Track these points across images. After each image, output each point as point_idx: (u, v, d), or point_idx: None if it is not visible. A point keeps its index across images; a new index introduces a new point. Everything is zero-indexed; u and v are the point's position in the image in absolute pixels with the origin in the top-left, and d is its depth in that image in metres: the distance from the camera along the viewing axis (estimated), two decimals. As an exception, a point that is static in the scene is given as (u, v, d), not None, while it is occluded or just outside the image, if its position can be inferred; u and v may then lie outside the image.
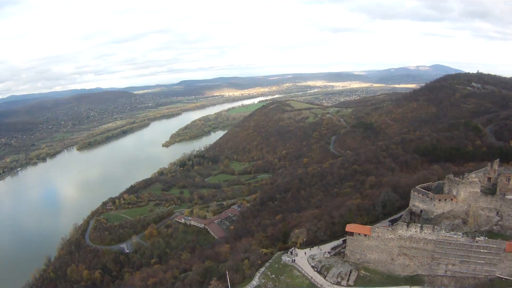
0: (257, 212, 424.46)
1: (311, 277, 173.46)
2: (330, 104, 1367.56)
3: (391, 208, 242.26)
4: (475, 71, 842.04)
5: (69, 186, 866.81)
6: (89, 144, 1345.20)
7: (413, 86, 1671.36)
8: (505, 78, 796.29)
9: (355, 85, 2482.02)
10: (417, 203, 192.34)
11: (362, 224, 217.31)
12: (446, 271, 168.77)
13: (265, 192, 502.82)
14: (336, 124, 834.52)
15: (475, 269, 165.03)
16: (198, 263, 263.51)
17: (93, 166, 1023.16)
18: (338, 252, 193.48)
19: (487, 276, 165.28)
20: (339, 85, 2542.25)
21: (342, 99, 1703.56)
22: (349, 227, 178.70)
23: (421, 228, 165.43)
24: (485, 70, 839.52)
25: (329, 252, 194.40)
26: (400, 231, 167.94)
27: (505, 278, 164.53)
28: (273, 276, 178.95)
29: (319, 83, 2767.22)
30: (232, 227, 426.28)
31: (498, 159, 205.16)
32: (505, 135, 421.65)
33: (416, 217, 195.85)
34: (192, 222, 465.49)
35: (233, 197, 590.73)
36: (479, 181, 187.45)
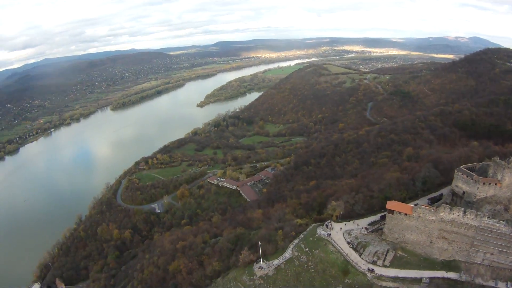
0: (291, 176, 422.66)
1: (346, 254, 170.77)
2: (367, 70, 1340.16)
3: (431, 185, 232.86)
4: None
5: (103, 146, 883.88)
6: (123, 104, 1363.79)
7: (451, 56, 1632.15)
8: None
9: (392, 52, 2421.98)
10: (460, 184, 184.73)
11: (401, 199, 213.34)
12: (483, 259, 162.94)
13: (299, 156, 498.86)
14: (373, 91, 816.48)
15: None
16: (229, 229, 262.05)
17: (127, 126, 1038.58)
18: (376, 229, 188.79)
19: None
20: (376, 51, 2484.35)
21: (379, 65, 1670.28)
22: (389, 205, 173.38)
23: (464, 212, 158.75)
24: None
25: (366, 228, 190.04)
26: (442, 214, 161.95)
27: None
28: (307, 249, 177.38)
29: (356, 48, 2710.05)
30: (265, 190, 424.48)
31: None
32: None
33: (458, 199, 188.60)
34: (225, 184, 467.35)
35: (267, 160, 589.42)
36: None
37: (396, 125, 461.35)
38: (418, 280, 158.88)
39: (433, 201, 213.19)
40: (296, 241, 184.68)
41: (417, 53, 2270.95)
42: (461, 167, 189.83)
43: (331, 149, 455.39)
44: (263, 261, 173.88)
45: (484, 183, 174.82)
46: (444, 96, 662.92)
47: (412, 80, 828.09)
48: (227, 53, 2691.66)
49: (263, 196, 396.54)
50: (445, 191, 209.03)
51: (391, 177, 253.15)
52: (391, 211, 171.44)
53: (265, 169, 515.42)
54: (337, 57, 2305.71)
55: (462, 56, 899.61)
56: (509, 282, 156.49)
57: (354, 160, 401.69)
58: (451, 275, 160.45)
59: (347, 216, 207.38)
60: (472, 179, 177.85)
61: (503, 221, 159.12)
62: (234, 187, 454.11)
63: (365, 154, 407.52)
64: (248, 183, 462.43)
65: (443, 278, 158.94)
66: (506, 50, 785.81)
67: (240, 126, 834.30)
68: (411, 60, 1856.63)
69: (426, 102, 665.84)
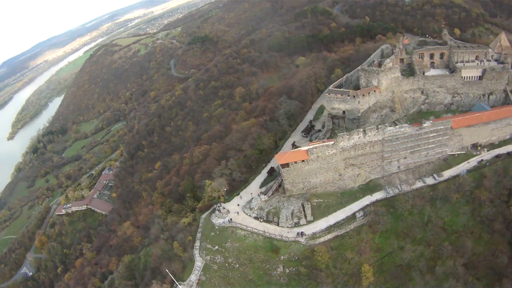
0: (132, 168, 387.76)
1: (263, 231, 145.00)
2: (156, 30, 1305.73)
3: (295, 117, 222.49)
4: None
5: None
6: None
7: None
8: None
9: (174, 4, 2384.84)
10: (337, 105, 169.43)
11: (273, 145, 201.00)
12: (399, 166, 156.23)
13: (128, 143, 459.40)
14: (171, 47, 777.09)
15: (427, 154, 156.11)
16: (114, 261, 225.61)
17: None
18: (275, 189, 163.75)
19: (440, 157, 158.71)
20: (158, 9, 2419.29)
21: (166, 22, 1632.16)
22: (281, 159, 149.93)
23: (364, 132, 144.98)
24: None
25: (262, 193, 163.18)
26: (342, 143, 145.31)
27: (457, 154, 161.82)
28: (216, 247, 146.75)
29: (137, 13, 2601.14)
30: (114, 194, 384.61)
31: (402, 37, 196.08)
32: (358, 12, 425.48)
33: (339, 120, 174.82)
34: (73, 208, 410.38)
35: (98, 162, 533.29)
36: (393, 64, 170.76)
37: (210, 72, 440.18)
38: (351, 217, 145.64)
39: (307, 132, 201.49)
40: (197, 244, 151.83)
41: None
42: (330, 88, 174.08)
43: (156, 122, 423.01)
44: (180, 285, 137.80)
45: (363, 95, 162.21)
46: (243, 26, 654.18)
47: (204, 23, 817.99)
48: (16, 70, 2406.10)
49: (116, 203, 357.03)
50: (326, 119, 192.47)
51: (250, 125, 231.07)
52: (286, 164, 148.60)
53: (103, 173, 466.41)
54: (122, 29, 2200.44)
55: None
56: (434, 174, 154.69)
57: (187, 123, 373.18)
58: (378, 195, 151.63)
59: (231, 189, 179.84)
60: (348, 95, 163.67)
61: (405, 124, 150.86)
62: (84, 207, 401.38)
63: (194, 113, 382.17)
64: (95, 196, 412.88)
65: (373, 203, 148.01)
66: None
67: (56, 140, 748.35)
68: (196, 5, 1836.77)
69: (227, 38, 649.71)
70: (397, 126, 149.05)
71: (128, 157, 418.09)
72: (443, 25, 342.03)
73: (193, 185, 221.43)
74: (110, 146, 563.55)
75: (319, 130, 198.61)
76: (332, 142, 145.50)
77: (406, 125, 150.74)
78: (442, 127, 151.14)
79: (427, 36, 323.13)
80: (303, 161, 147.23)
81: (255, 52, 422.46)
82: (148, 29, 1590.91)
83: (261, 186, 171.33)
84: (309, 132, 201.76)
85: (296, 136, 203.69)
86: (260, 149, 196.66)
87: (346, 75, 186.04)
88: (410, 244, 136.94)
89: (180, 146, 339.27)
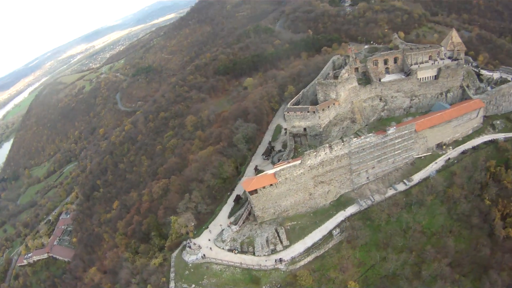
0: (89, 210, 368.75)
1: (240, 263, 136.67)
2: (99, 65, 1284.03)
3: (255, 139, 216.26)
4: None
5: None
6: None
7: (172, 16, 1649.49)
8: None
9: (115, 36, 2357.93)
10: (297, 122, 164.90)
11: (235, 171, 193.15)
12: (368, 177, 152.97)
13: (82, 185, 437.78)
14: (115, 81, 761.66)
15: (395, 161, 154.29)
16: None
17: None
18: (246, 218, 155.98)
19: (407, 162, 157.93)
20: (99, 43, 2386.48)
21: (108, 55, 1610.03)
22: (247, 185, 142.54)
23: (330, 147, 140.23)
24: None
25: (233, 224, 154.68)
26: (309, 161, 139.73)
27: (423, 156, 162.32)
28: (193, 286, 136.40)
29: (79, 48, 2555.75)
30: (75, 239, 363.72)
31: (351, 47, 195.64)
32: (300, 27, 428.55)
33: (301, 138, 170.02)
34: (35, 258, 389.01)
35: (54, 207, 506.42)
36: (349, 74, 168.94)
37: (158, 103, 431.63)
38: (328, 236, 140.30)
39: (268, 154, 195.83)
40: (172, 285, 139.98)
41: (138, 27, 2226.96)
42: (288, 106, 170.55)
43: (109, 160, 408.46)
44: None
45: (323, 109, 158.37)
46: (186, 52, 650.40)
47: (147, 53, 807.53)
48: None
49: (78, 248, 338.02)
50: (267, 138, 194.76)
51: (209, 153, 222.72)
52: (254, 191, 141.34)
53: (60, 218, 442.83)
54: (65, 66, 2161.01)
55: (185, 10, 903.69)
56: (404, 180, 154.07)
57: (140, 158, 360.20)
58: (351, 209, 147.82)
59: (200, 223, 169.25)
60: (308, 111, 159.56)
61: (370, 134, 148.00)
62: (45, 255, 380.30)
63: (146, 146, 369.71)
64: (55, 242, 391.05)
65: (348, 218, 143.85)
66: None
67: (10, 187, 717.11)
68: (136, 35, 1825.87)
69: (171, 66, 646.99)
70: (362, 137, 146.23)
71: (84, 198, 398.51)
72: (386, 30, 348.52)
73: (157, 222, 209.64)
74: (64, 189, 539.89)
75: (280, 151, 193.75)
76: (299, 162, 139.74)
77: (371, 134, 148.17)
78: (406, 131, 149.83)
79: (371, 42, 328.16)
80: (271, 185, 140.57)
81: (201, 78, 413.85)
82: (91, 64, 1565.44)
83: (229, 216, 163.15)
84: (269, 154, 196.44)
85: (257, 159, 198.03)
86: (223, 178, 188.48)
87: (302, 91, 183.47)
88: (392, 254, 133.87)
89: (137, 182, 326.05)
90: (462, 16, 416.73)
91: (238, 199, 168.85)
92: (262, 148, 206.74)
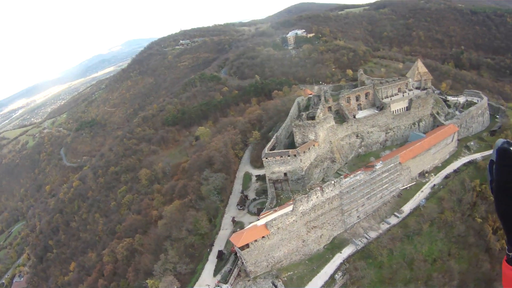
0: (44, 273, 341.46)
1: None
2: (41, 119, 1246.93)
3: (226, 190, 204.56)
4: (178, 31, 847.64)
5: None
6: None
7: (111, 69, 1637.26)
8: (208, 27, 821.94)
9: (55, 90, 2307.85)
10: (277, 168, 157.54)
11: (211, 225, 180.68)
12: (358, 216, 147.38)
13: (33, 245, 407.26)
14: (59, 136, 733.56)
15: (382, 196, 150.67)
16: None
17: None
18: (238, 275, 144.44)
19: (394, 195, 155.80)
20: (40, 97, 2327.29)
21: (49, 110, 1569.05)
22: (237, 241, 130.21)
23: (322, 190, 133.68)
24: (187, 27, 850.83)
25: (221, 282, 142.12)
26: (301, 207, 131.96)
27: (409, 187, 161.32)
28: None
29: (20, 102, 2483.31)
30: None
31: (305, 89, 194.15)
32: (247, 73, 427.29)
33: (282, 183, 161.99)
34: None
35: (6, 269, 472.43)
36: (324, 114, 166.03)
37: (106, 156, 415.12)
38: (331, 281, 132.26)
39: (243, 204, 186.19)
40: None
41: (79, 80, 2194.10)
42: (265, 152, 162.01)
43: (59, 219, 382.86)
44: None
45: (304, 152, 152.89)
46: (130, 104, 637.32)
47: (89, 106, 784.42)
48: None
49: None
50: (237, 187, 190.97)
51: (175, 210, 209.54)
52: (245, 246, 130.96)
53: (14, 281, 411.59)
54: (7, 120, 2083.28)
55: (124, 63, 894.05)
56: (395, 213, 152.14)
57: (93, 216, 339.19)
58: (347, 250, 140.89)
59: (182, 285, 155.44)
60: (289, 155, 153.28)
61: (359, 172, 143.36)
62: None
63: (99, 203, 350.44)
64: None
65: (346, 260, 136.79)
66: (170, 36, 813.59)
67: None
68: (77, 89, 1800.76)
69: (115, 119, 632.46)
70: (352, 176, 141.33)
71: (37, 260, 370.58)
72: (333, 69, 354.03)
73: (129, 286, 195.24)
74: (15, 250, 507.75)
75: (255, 199, 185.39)
76: (291, 209, 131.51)
77: (360, 172, 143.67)
78: (392, 164, 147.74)
79: (320, 83, 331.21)
80: (263, 237, 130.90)
81: (150, 130, 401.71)
82: (32, 119, 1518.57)
83: (215, 274, 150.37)
84: (244, 203, 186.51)
85: (231, 211, 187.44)
86: (201, 234, 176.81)
87: (275, 135, 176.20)
88: (404, 286, 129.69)
89: (93, 242, 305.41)
90: (403, 49, 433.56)
91: (220, 255, 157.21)
92: (234, 198, 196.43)
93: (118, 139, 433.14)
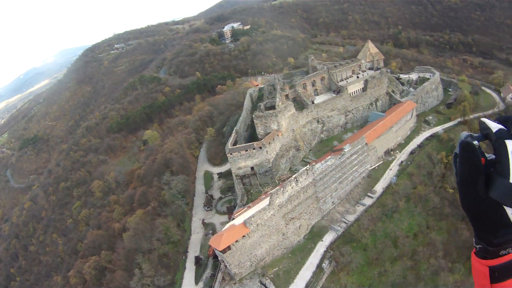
0: None
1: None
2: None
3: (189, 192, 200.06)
4: (111, 35, 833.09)
5: None
6: None
7: (47, 81, 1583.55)
8: (141, 28, 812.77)
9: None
10: (243, 163, 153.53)
11: (181, 228, 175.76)
12: (333, 201, 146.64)
13: None
14: (3, 157, 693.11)
15: (353, 178, 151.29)
16: None
17: None
18: (222, 279, 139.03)
19: (364, 176, 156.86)
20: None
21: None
22: (218, 244, 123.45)
23: (296, 180, 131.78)
24: (120, 30, 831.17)
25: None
26: (277, 200, 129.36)
27: (377, 166, 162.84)
28: None
29: None
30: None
31: (260, 78, 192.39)
32: (187, 71, 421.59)
33: (249, 178, 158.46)
34: None
35: None
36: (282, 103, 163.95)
37: (54, 172, 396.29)
38: (319, 271, 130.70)
39: (210, 204, 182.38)
40: None
41: (15, 97, 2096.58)
42: (229, 147, 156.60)
43: (16, 244, 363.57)
44: None
45: (270, 143, 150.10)
46: (71, 116, 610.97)
47: (30, 122, 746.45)
48: None
49: None
50: (200, 187, 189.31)
51: (142, 218, 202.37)
52: (227, 248, 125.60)
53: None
54: None
55: (59, 74, 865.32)
56: (368, 194, 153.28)
57: (51, 237, 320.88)
58: (328, 237, 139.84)
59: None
60: (254, 148, 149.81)
61: (329, 157, 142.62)
62: None
63: (55, 222, 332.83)
64: None
65: (330, 247, 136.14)
66: (104, 41, 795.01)
67: None
68: (15, 106, 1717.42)
69: (58, 133, 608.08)
70: (323, 161, 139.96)
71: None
72: (274, 59, 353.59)
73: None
74: None
75: (221, 198, 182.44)
76: (267, 203, 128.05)
77: (330, 157, 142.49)
78: (359, 146, 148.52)
79: (263, 73, 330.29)
80: (243, 236, 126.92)
81: (95, 139, 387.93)
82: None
83: (197, 282, 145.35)
84: (211, 204, 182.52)
85: (198, 213, 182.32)
86: (173, 242, 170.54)
87: (235, 129, 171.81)
88: (389, 266, 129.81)
89: (55, 264, 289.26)
90: (341, 33, 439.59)
91: (198, 260, 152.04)
92: (199, 200, 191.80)
93: (64, 153, 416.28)
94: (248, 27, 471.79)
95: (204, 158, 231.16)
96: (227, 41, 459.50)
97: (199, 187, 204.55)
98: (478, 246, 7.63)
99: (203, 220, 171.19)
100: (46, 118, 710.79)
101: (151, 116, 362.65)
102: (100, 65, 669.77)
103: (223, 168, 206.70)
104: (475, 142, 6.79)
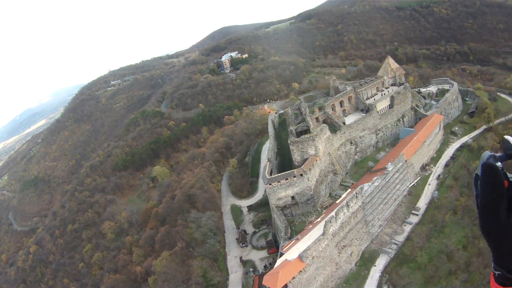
0: None
1: None
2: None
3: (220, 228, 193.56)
4: (106, 72, 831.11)
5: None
6: None
7: (43, 122, 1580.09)
8: (136, 64, 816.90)
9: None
10: (283, 193, 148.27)
11: (217, 267, 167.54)
12: (380, 226, 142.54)
13: None
14: (4, 200, 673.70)
15: (395, 198, 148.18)
16: None
17: None
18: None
19: (405, 194, 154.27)
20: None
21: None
22: (275, 283, 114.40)
23: (347, 205, 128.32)
24: (114, 67, 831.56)
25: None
26: (331, 229, 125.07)
27: (416, 183, 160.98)
28: None
29: None
30: None
31: (301, 101, 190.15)
32: (189, 103, 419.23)
33: (291, 208, 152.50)
34: None
35: None
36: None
37: (60, 214, 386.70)
38: None
39: (244, 240, 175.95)
40: None
41: (12, 138, 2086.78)
42: (267, 177, 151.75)
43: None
44: None
45: (310, 169, 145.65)
46: (71, 155, 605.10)
47: (29, 163, 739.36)
48: None
49: None
50: (229, 223, 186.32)
51: (171, 260, 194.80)
52: (284, 287, 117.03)
53: None
54: None
55: (55, 114, 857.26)
56: (412, 211, 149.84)
57: (62, 282, 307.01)
58: (381, 261, 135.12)
59: None
60: (295, 176, 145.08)
61: (376, 177, 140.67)
62: None
63: (65, 266, 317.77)
64: None
65: (384, 271, 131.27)
66: (100, 79, 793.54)
67: None
68: (12, 148, 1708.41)
69: (59, 174, 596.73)
70: (369, 183, 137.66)
71: None
72: (278, 85, 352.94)
73: None
74: None
75: (255, 232, 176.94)
76: (321, 233, 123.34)
77: (377, 177, 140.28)
78: (400, 164, 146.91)
79: (268, 101, 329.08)
80: (300, 271, 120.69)
81: (101, 178, 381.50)
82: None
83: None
84: (245, 239, 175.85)
85: (232, 250, 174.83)
86: (213, 285, 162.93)
87: (267, 158, 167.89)
88: (445, 282, 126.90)
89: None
90: (339, 55, 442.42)
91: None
92: (230, 236, 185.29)
93: (68, 193, 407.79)
94: (246, 55, 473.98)
95: (227, 191, 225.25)
96: (227, 71, 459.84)
97: (228, 222, 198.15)
98: (497, 273, 7.14)
99: (241, 257, 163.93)
100: (46, 159, 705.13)
101: (157, 151, 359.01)
102: (98, 102, 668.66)
103: (251, 201, 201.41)
104: (498, 164, 6.55)
